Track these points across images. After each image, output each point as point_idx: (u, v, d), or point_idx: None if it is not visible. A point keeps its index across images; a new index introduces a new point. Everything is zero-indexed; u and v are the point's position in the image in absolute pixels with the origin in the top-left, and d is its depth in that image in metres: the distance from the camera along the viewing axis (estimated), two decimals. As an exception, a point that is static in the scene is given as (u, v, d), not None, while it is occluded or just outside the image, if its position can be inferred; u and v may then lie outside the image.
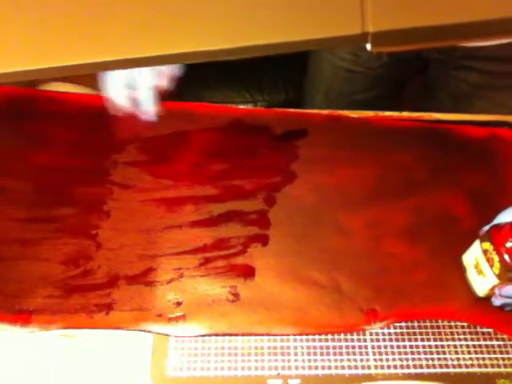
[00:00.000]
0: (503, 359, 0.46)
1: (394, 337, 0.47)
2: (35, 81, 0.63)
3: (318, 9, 0.18)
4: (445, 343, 0.46)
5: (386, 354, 0.46)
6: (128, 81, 0.49)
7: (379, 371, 0.45)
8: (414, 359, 0.45)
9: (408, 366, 0.45)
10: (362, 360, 0.45)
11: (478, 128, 0.58)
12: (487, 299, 0.47)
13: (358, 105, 0.66)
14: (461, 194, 0.54)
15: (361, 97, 0.73)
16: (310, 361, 0.45)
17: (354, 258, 0.49)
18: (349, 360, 0.45)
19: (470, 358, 0.46)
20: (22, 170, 0.52)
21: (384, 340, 0.46)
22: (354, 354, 0.45)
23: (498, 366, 0.45)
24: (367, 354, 0.46)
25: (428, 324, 0.47)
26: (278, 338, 0.46)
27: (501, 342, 0.47)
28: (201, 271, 0.48)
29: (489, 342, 0.47)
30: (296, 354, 0.45)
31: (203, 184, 0.53)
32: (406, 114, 0.60)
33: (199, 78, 0.89)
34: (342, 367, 0.45)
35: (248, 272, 0.48)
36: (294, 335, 0.46)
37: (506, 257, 0.42)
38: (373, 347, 0.46)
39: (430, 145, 0.57)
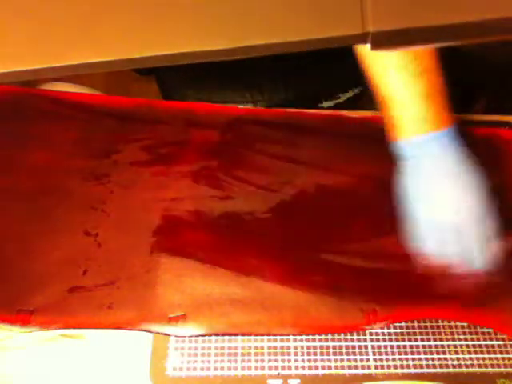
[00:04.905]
0: (503, 359, 0.46)
1: (394, 337, 0.47)
2: (35, 81, 0.63)
3: (318, 8, 0.18)
4: (445, 343, 0.46)
5: (386, 354, 0.46)
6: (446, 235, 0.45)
7: (379, 371, 0.45)
8: (413, 359, 0.45)
9: (408, 366, 0.45)
10: (362, 360, 0.45)
11: (478, 128, 0.58)
12: None
13: None
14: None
15: None
16: (310, 361, 0.45)
17: (354, 258, 0.49)
18: (349, 360, 0.45)
19: (470, 358, 0.46)
20: (22, 170, 0.52)
21: (384, 340, 0.46)
22: (354, 354, 0.45)
23: (498, 365, 0.45)
24: (367, 354, 0.46)
25: (428, 324, 0.47)
26: (278, 337, 0.46)
27: (501, 342, 0.47)
28: (201, 271, 0.48)
29: (489, 342, 0.47)
30: (296, 354, 0.45)
31: (203, 184, 0.53)
32: (406, 113, 0.60)
33: (199, 78, 0.89)
34: (342, 367, 0.45)
35: (248, 272, 0.48)
36: (294, 335, 0.46)
37: None
38: (373, 347, 0.46)
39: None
